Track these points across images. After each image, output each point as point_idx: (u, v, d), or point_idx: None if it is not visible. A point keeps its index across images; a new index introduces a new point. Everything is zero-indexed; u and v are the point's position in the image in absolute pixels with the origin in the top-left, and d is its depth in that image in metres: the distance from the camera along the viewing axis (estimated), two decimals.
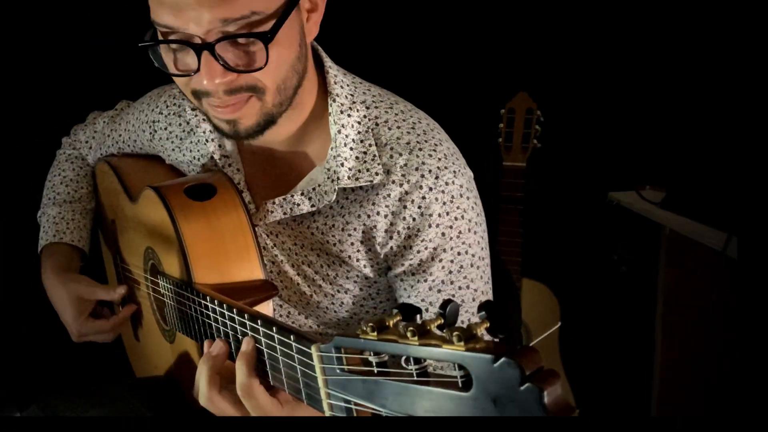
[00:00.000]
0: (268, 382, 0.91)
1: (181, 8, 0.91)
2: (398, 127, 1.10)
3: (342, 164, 1.08)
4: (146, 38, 0.99)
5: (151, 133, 1.31)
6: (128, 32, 1.18)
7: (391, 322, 0.67)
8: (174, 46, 0.97)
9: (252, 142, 1.10)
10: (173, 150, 1.28)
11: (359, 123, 1.10)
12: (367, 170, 1.08)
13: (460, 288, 1.11)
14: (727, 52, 2.04)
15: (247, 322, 0.92)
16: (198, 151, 1.23)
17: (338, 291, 1.16)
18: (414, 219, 1.08)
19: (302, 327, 1.20)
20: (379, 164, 1.08)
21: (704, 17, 2.07)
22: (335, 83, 1.11)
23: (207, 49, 0.93)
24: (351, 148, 1.08)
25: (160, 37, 0.98)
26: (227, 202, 1.13)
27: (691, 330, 2.10)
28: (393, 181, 1.08)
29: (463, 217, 1.09)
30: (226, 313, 0.97)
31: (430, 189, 1.07)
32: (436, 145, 1.09)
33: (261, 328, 0.89)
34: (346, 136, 1.09)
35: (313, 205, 1.11)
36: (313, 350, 0.78)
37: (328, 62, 1.13)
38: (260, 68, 0.96)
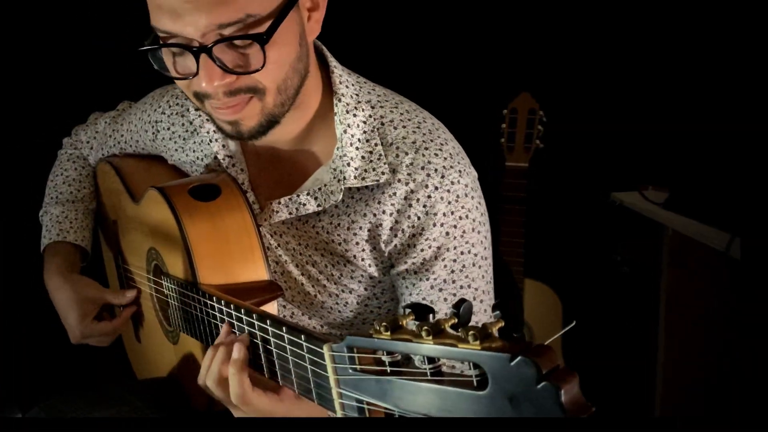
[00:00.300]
0: (263, 376, 0.91)
1: (178, 14, 0.93)
2: (404, 127, 1.10)
3: (348, 164, 1.08)
4: (146, 43, 1.00)
5: (153, 134, 1.31)
6: (128, 32, 1.19)
7: (404, 322, 0.66)
8: (174, 50, 0.99)
9: (256, 142, 1.10)
10: (176, 150, 1.27)
11: (365, 122, 1.10)
12: (374, 170, 1.07)
13: (461, 287, 1.11)
14: (730, 53, 2.05)
15: (256, 323, 0.92)
16: (201, 151, 1.23)
17: (343, 291, 1.16)
18: (419, 218, 1.07)
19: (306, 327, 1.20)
20: (385, 163, 1.07)
21: (707, 17, 2.07)
22: (340, 83, 1.11)
23: (204, 52, 0.94)
24: (357, 148, 1.08)
25: (160, 42, 0.99)
26: (232, 203, 1.13)
27: (693, 330, 2.10)
28: (399, 180, 1.07)
29: (467, 216, 1.09)
30: (233, 313, 0.96)
31: (436, 188, 1.07)
32: (441, 144, 1.09)
33: (270, 328, 0.89)
34: (352, 136, 1.09)
35: (319, 205, 1.11)
36: (325, 350, 0.77)
37: (332, 62, 1.13)
38: (258, 69, 0.96)
